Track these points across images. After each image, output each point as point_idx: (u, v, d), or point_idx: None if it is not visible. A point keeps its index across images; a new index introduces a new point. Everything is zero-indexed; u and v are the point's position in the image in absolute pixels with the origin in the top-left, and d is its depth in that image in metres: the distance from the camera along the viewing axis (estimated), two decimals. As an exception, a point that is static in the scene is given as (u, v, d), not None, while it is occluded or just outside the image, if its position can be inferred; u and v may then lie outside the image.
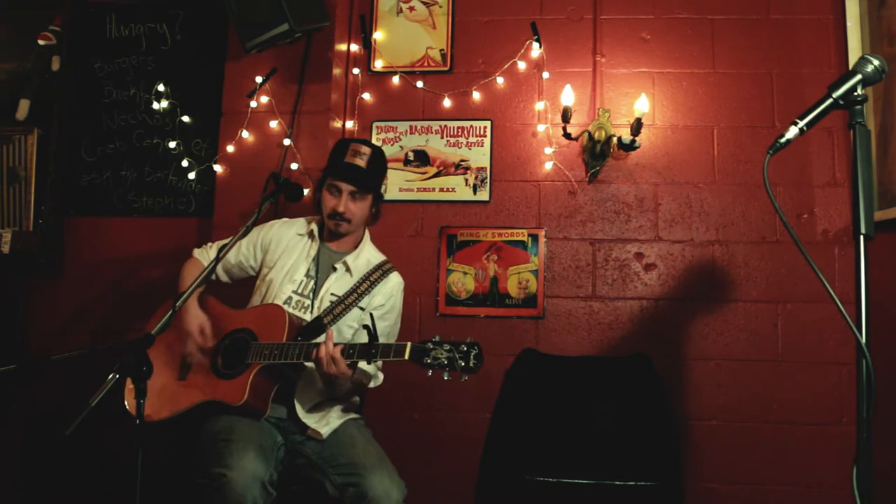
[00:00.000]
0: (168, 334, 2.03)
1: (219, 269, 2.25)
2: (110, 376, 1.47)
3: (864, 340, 1.29)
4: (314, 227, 2.26)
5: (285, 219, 2.37)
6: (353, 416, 2.18)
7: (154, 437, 1.80)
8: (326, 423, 2.08)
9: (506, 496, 2.51)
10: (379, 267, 2.21)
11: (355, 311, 2.14)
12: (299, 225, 2.31)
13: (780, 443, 2.71)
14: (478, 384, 2.82)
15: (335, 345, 1.88)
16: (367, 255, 2.25)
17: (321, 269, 2.20)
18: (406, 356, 1.79)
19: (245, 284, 2.32)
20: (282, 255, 2.22)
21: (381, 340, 2.13)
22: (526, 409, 2.68)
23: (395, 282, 2.23)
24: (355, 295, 2.14)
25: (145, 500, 1.49)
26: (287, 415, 2.08)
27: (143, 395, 1.50)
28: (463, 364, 1.75)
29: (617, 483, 2.39)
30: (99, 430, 2.63)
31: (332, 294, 2.15)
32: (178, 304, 1.68)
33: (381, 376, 2.19)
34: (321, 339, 1.94)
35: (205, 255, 2.28)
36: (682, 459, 2.61)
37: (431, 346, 1.79)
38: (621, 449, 2.52)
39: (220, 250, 1.94)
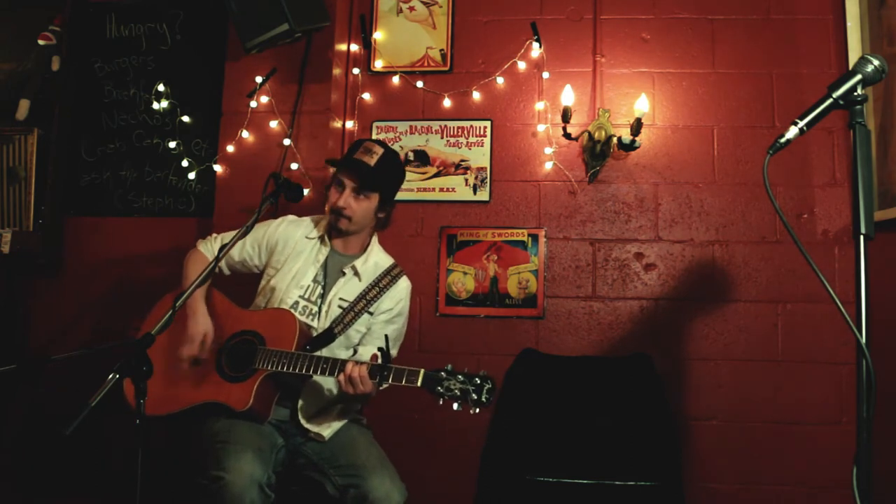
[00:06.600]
0: (174, 324, 1.98)
1: (221, 262, 2.20)
2: (110, 376, 1.46)
3: (864, 340, 1.29)
4: (324, 230, 2.22)
5: (291, 217, 2.30)
6: (354, 417, 2.18)
7: (152, 433, 1.78)
8: (328, 425, 2.07)
9: (506, 496, 2.51)
10: (388, 272, 2.19)
11: (364, 317, 2.14)
12: (306, 226, 2.25)
13: (780, 443, 2.71)
14: (478, 384, 2.82)
15: (359, 364, 1.86)
16: (376, 259, 2.22)
17: (329, 274, 2.17)
18: (419, 383, 1.79)
19: (250, 283, 2.29)
20: (289, 258, 2.17)
21: (390, 345, 2.14)
22: (526, 409, 2.68)
23: (403, 286, 2.22)
24: (364, 301, 2.13)
25: (145, 500, 1.49)
26: (289, 417, 2.08)
27: (143, 394, 1.49)
28: (476, 398, 1.75)
29: (617, 483, 2.39)
30: (99, 427, 2.62)
31: (340, 299, 2.13)
32: (177, 304, 1.67)
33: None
34: (326, 350, 1.96)
35: (209, 248, 2.23)
36: (682, 459, 2.61)
37: (445, 376, 1.78)
38: (621, 449, 2.52)
39: (220, 249, 1.91)
